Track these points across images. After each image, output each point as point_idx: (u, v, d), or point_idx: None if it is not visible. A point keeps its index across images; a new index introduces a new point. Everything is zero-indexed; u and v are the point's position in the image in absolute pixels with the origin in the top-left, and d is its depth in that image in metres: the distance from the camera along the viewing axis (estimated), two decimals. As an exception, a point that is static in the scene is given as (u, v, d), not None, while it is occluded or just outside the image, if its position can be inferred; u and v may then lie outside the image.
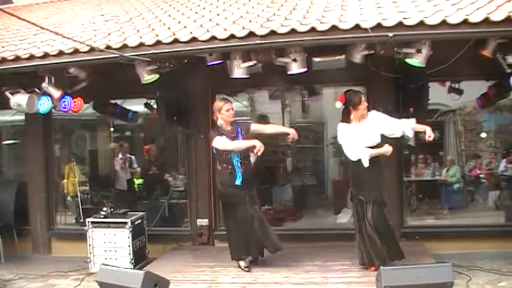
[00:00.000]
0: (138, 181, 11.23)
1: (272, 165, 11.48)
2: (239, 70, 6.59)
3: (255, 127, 6.96)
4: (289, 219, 10.05)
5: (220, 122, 6.71)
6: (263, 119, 10.95)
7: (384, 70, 7.25)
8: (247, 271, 6.62)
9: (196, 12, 7.95)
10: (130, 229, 7.55)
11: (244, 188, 6.61)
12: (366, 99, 6.45)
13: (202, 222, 8.28)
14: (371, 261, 6.26)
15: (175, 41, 6.44)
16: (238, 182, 6.58)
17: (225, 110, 6.66)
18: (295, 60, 6.35)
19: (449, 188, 11.52)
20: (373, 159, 6.23)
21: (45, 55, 6.79)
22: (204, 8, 8.22)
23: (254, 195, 6.75)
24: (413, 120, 6.36)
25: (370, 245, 6.23)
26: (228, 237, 6.88)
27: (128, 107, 9.65)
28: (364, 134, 6.28)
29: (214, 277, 6.48)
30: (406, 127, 6.32)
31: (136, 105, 9.74)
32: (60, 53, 6.73)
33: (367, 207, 6.26)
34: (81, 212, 9.72)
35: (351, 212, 9.31)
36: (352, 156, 6.33)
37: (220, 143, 6.58)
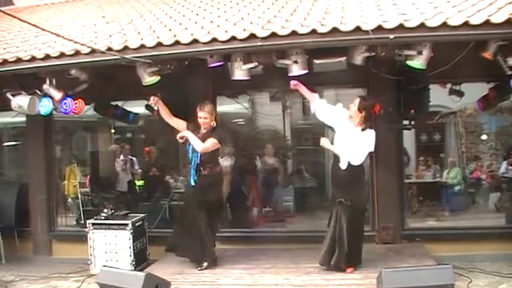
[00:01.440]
0: (138, 183, 11.24)
1: (274, 167, 11.49)
2: (240, 72, 6.60)
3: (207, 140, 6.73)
4: (289, 221, 10.08)
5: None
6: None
7: (385, 72, 7.24)
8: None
9: (197, 14, 7.96)
10: (131, 231, 7.55)
11: (196, 191, 6.73)
12: (358, 105, 6.27)
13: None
14: (349, 263, 6.31)
15: (177, 43, 6.45)
16: (192, 182, 6.79)
17: (198, 116, 6.80)
18: (296, 62, 6.36)
19: (450, 190, 11.55)
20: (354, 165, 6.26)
21: (47, 57, 6.80)
22: (205, 10, 8.24)
23: (206, 200, 6.76)
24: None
25: (346, 247, 6.24)
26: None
27: (129, 109, 9.65)
28: (350, 138, 6.26)
29: (215, 279, 6.47)
30: (346, 156, 6.26)
31: (137, 107, 9.73)
32: (61, 55, 6.75)
33: (347, 211, 6.25)
34: (82, 213, 9.72)
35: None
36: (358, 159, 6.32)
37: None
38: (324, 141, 6.66)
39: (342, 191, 6.34)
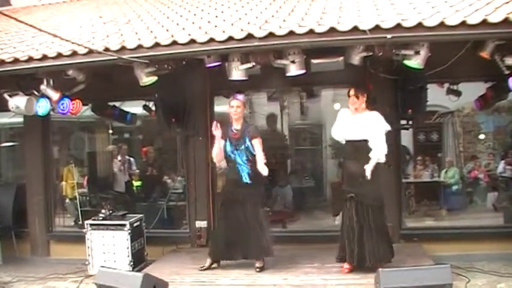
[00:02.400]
0: (136, 183, 11.24)
1: (272, 167, 11.49)
2: (237, 72, 6.58)
3: (255, 145, 6.53)
4: (287, 221, 10.08)
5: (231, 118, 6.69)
6: (272, 117, 10.98)
7: (383, 72, 7.25)
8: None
9: (194, 14, 7.96)
10: (129, 231, 7.53)
11: (244, 188, 6.58)
12: (356, 95, 6.32)
13: (201, 224, 8.27)
14: (350, 261, 6.28)
15: (174, 43, 6.44)
16: (243, 178, 6.57)
17: (229, 106, 6.65)
18: (293, 62, 6.36)
19: (448, 190, 11.55)
20: (366, 156, 6.19)
21: (44, 57, 6.79)
22: (202, 10, 8.23)
23: (246, 197, 6.59)
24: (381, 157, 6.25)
25: (356, 245, 6.21)
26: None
27: (127, 109, 9.66)
28: (352, 126, 6.28)
29: (213, 279, 6.46)
30: (376, 153, 6.18)
31: (135, 107, 9.75)
32: (59, 55, 6.73)
33: (363, 208, 6.22)
34: (79, 214, 9.70)
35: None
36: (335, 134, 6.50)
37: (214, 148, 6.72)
38: (369, 168, 6.20)
39: (357, 185, 6.28)
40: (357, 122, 6.28)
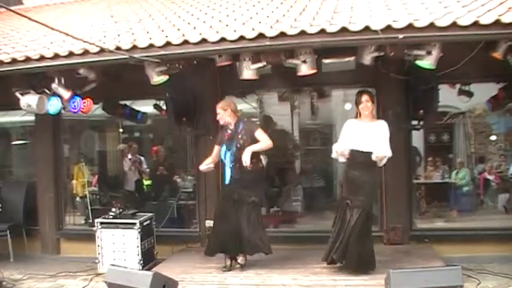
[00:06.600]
0: (146, 182, 11.27)
1: (283, 167, 11.48)
2: (248, 71, 6.57)
3: (258, 136, 6.64)
4: (296, 220, 10.09)
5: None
6: (268, 120, 10.97)
7: (394, 72, 7.22)
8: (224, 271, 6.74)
9: (205, 14, 7.97)
10: (139, 230, 7.56)
11: (232, 187, 6.65)
12: (371, 100, 6.43)
13: (211, 223, 8.25)
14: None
15: (185, 42, 6.44)
16: (226, 180, 6.69)
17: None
18: (304, 61, 6.34)
19: (459, 191, 11.50)
20: (371, 166, 6.29)
21: (55, 56, 6.81)
22: (213, 9, 8.24)
23: (245, 195, 6.63)
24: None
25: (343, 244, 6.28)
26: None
27: (137, 108, 9.69)
28: (365, 134, 6.31)
29: (223, 278, 6.47)
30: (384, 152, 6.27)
31: (146, 106, 9.78)
32: (70, 54, 6.75)
33: (352, 213, 6.26)
34: (89, 212, 9.74)
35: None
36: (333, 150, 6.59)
37: None
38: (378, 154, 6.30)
39: (353, 192, 6.35)
40: (369, 132, 6.32)
